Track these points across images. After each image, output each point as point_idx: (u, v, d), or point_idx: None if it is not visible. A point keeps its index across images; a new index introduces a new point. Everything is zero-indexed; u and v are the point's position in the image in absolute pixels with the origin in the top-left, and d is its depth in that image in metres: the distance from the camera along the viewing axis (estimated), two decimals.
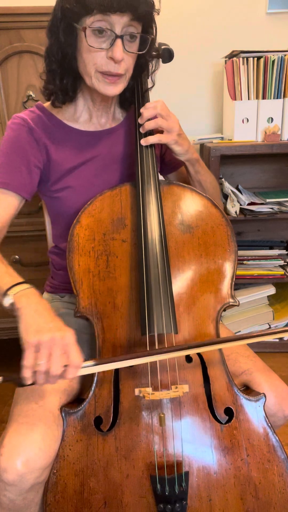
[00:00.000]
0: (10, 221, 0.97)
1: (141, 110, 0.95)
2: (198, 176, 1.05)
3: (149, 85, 1.04)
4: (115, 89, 0.91)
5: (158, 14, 0.91)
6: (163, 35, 1.30)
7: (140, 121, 0.95)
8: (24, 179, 0.96)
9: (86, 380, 0.94)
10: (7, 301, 0.76)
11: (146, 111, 0.94)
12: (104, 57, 0.86)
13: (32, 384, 0.71)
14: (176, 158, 1.04)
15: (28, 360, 0.69)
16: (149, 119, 0.95)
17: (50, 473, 0.79)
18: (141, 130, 0.96)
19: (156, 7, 0.88)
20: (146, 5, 0.84)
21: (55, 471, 0.79)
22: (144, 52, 0.90)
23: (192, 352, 0.80)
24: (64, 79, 0.94)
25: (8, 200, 0.95)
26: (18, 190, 0.95)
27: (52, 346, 0.69)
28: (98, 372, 0.84)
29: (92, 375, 0.85)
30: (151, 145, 0.96)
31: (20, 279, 0.80)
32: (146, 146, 0.96)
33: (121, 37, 0.84)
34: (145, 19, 0.87)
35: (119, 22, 0.83)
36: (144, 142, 0.95)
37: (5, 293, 0.77)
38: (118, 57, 0.84)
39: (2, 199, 0.95)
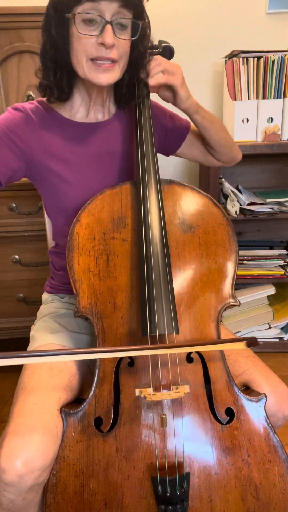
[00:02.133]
0: None
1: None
2: (205, 122, 1.06)
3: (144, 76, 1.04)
4: (108, 76, 0.90)
5: (148, 0, 0.91)
6: (163, 35, 1.30)
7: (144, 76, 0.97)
8: (2, 158, 0.95)
9: (86, 380, 0.94)
10: None
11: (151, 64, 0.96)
12: (94, 44, 0.87)
13: None
14: (179, 128, 1.06)
15: None
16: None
17: (50, 474, 0.78)
18: (149, 79, 0.96)
19: None
20: None
21: (55, 472, 0.79)
22: (135, 38, 0.90)
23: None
24: (58, 74, 0.94)
25: None
26: None
27: None
28: (98, 373, 0.84)
29: (93, 374, 0.84)
30: (152, 144, 0.96)
31: None
32: (147, 145, 0.95)
33: (111, 22, 0.85)
34: (135, 6, 0.88)
35: (108, 8, 0.84)
36: (153, 81, 0.95)
37: None
38: (109, 42, 0.85)
39: None
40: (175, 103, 1.02)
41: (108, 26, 0.85)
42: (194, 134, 1.16)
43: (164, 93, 1.02)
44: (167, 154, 1.19)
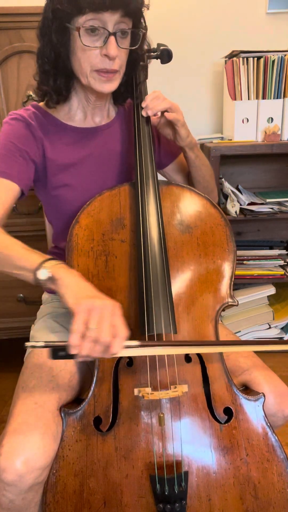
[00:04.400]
0: (10, 210, 0.95)
1: (145, 97, 0.96)
2: (197, 161, 1.05)
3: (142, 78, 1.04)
4: (111, 86, 0.92)
5: (148, 9, 0.92)
6: (163, 35, 1.31)
7: (143, 104, 0.95)
8: (21, 170, 0.95)
9: (86, 380, 0.94)
10: (43, 274, 0.76)
11: (149, 98, 0.95)
12: (98, 55, 0.87)
13: (71, 357, 0.68)
14: (173, 146, 1.05)
15: (78, 324, 0.67)
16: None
17: (49, 473, 0.79)
18: (149, 112, 0.95)
19: (145, 2, 0.90)
20: (137, 1, 0.86)
21: (54, 471, 0.79)
22: (136, 47, 0.92)
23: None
24: (58, 79, 0.95)
25: (8, 187, 0.93)
26: (16, 180, 0.94)
27: (103, 312, 0.68)
28: (97, 372, 0.84)
29: (92, 374, 0.85)
30: (150, 145, 0.97)
31: (50, 257, 0.79)
32: (145, 146, 0.96)
33: (114, 34, 0.85)
34: (135, 15, 0.88)
35: (111, 19, 0.84)
36: (168, 115, 0.94)
37: (39, 267, 0.76)
38: (113, 54, 0.86)
39: (3, 186, 0.93)
40: (174, 139, 1.01)
41: (112, 38, 0.85)
42: (184, 162, 1.13)
43: (164, 130, 1.01)
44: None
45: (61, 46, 0.90)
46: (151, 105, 0.94)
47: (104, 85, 0.91)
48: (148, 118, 0.99)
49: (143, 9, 0.91)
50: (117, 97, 1.05)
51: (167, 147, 1.12)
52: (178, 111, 0.96)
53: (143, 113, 0.96)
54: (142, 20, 0.93)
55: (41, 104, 1.03)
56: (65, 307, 1.10)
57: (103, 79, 0.90)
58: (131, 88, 1.02)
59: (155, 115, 0.98)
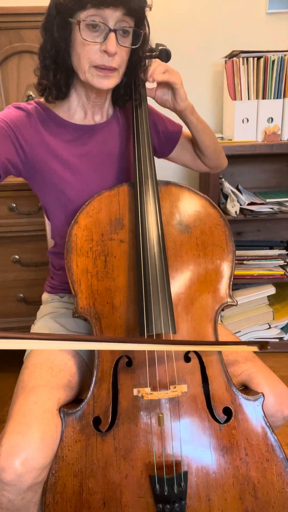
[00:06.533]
0: None
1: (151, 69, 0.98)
2: (199, 125, 1.08)
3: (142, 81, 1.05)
4: (109, 82, 0.92)
5: (150, 10, 0.93)
6: (163, 35, 1.31)
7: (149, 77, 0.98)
8: (5, 151, 0.93)
9: (85, 380, 0.94)
10: None
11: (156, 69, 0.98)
12: (97, 51, 0.88)
13: None
14: (172, 132, 1.09)
15: None
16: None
17: (49, 474, 0.79)
18: (149, 79, 0.98)
19: (148, 2, 0.91)
20: (139, 0, 0.87)
21: (54, 472, 0.79)
22: (137, 46, 0.92)
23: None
24: (58, 74, 0.95)
25: None
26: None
27: None
28: (97, 372, 0.84)
29: (91, 375, 0.85)
30: (149, 146, 0.97)
31: None
32: (144, 147, 0.96)
33: (115, 30, 0.86)
34: (137, 14, 0.89)
35: (112, 16, 0.85)
36: (158, 77, 0.97)
37: None
38: (112, 50, 0.86)
39: None
40: (174, 103, 1.02)
41: (112, 34, 0.86)
42: (185, 138, 1.18)
43: (162, 95, 1.02)
44: (158, 156, 1.20)
45: (62, 41, 0.90)
46: (150, 72, 0.98)
47: (102, 81, 0.91)
48: (147, 119, 1.00)
49: (146, 10, 0.91)
50: (117, 98, 1.06)
51: (167, 135, 1.15)
52: (177, 73, 0.99)
53: (150, 80, 0.98)
54: (145, 22, 0.93)
55: (42, 100, 1.03)
56: (66, 308, 1.10)
57: (101, 74, 0.90)
58: (130, 91, 1.02)
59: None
